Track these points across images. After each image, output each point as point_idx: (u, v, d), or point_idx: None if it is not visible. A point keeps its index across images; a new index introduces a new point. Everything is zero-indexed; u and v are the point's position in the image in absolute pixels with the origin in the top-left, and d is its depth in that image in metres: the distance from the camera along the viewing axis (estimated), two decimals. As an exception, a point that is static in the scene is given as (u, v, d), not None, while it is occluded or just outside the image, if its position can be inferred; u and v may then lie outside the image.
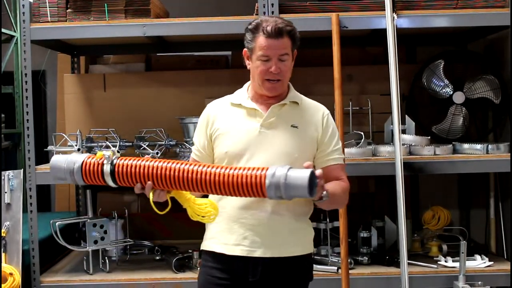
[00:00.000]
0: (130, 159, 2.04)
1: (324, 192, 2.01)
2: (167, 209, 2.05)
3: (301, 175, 1.90)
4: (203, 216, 2.06)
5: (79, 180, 2.06)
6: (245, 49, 2.23)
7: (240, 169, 1.96)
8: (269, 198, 1.93)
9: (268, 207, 2.16)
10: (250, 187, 1.93)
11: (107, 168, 2.02)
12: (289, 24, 2.18)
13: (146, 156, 2.06)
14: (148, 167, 2.00)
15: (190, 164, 2.00)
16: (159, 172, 1.99)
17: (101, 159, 2.05)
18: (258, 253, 2.18)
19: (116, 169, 2.02)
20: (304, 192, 1.89)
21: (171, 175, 1.98)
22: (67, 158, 2.08)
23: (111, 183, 2.04)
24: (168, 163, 2.01)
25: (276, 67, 2.16)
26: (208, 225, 2.30)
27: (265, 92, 2.21)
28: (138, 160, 2.03)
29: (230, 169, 1.96)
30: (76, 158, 2.07)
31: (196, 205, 2.07)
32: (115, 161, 2.03)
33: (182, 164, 2.00)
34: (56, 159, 2.10)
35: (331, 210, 3.53)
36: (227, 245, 2.21)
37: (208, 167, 1.98)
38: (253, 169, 1.95)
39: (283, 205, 2.15)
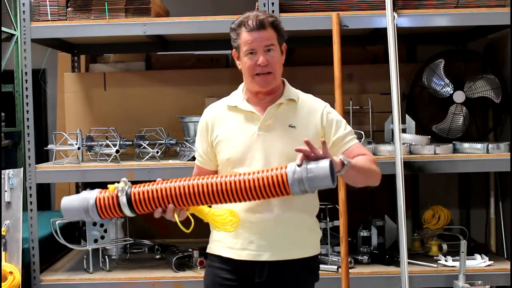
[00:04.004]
0: (143, 185, 2.02)
1: (341, 157, 1.99)
2: (192, 227, 2.02)
3: (321, 165, 1.91)
4: (227, 226, 2.08)
5: (95, 216, 2.04)
6: (233, 50, 2.22)
7: (258, 172, 1.96)
8: (294, 194, 1.93)
9: (274, 208, 2.15)
10: (273, 188, 1.93)
11: (123, 199, 2.00)
12: (271, 16, 2.17)
13: (158, 179, 2.04)
14: (166, 189, 1.99)
15: (207, 178, 1.99)
16: (179, 191, 1.98)
17: (113, 191, 2.02)
18: (265, 256, 2.17)
19: (132, 198, 2.00)
20: (328, 182, 1.91)
21: (193, 192, 1.97)
22: (78, 197, 2.06)
23: (128, 213, 2.02)
24: (185, 181, 2.00)
25: (264, 59, 2.12)
26: (212, 228, 2.29)
27: (257, 87, 2.18)
28: (152, 184, 2.02)
29: (249, 174, 1.96)
30: (88, 195, 2.05)
31: (217, 217, 2.08)
32: (129, 191, 2.01)
33: (198, 179, 1.99)
34: (66, 201, 2.08)
35: (331, 209, 3.54)
36: (233, 249, 2.20)
37: (226, 177, 1.98)
38: (271, 169, 1.95)
39: (289, 205, 2.15)
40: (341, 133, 2.23)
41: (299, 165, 1.92)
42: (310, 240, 2.27)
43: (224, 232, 2.13)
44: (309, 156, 1.93)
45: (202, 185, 1.97)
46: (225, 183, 1.96)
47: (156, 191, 2.00)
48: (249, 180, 1.94)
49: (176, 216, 2.01)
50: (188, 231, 2.02)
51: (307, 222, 2.25)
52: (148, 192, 2.00)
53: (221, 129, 2.23)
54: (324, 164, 1.91)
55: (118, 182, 2.04)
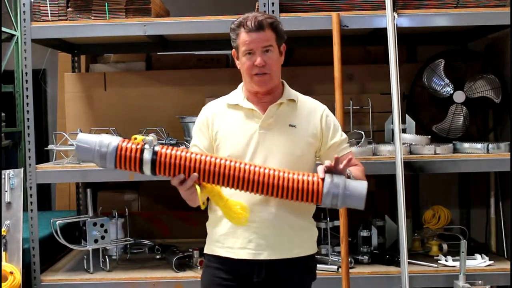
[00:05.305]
0: (171, 149, 1.91)
1: (347, 170, 2.02)
2: (206, 204, 2.01)
3: (360, 185, 1.91)
4: (237, 220, 2.04)
5: (110, 164, 1.90)
6: (233, 49, 2.24)
7: (296, 173, 1.94)
8: (322, 205, 1.95)
9: (272, 208, 2.15)
10: (306, 193, 1.92)
11: (147, 156, 1.87)
12: (270, 17, 2.19)
13: (183, 147, 1.96)
14: (196, 160, 1.90)
15: (241, 163, 1.95)
16: (210, 167, 1.90)
17: (139, 144, 1.89)
18: (263, 255, 2.18)
19: (158, 157, 1.88)
20: (360, 203, 1.91)
21: (222, 173, 1.91)
22: (98, 139, 1.90)
23: (147, 172, 1.90)
24: (216, 159, 1.93)
25: (261, 60, 2.14)
26: (210, 228, 2.30)
27: (255, 87, 2.21)
28: (182, 151, 1.91)
29: (284, 172, 1.95)
30: (109, 140, 1.89)
31: (233, 206, 2.03)
32: (156, 148, 1.89)
33: (231, 161, 1.94)
34: (84, 138, 1.91)
35: (331, 209, 3.54)
36: (232, 249, 2.20)
37: (261, 168, 1.95)
38: (308, 175, 1.94)
39: (287, 205, 2.15)
40: (337, 139, 2.27)
41: (322, 179, 1.91)
42: (308, 239, 2.28)
43: (233, 224, 2.11)
44: (329, 171, 1.97)
45: (235, 168, 1.92)
46: (260, 174, 1.92)
47: (185, 158, 1.89)
48: (283, 178, 1.91)
49: (198, 187, 1.94)
50: (203, 207, 1.99)
51: (305, 221, 2.27)
52: (177, 156, 1.89)
53: (221, 125, 2.24)
54: (363, 185, 1.91)
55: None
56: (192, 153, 1.93)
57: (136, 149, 1.88)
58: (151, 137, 1.89)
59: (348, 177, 2.00)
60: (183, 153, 1.91)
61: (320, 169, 1.98)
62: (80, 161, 3.57)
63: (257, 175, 1.92)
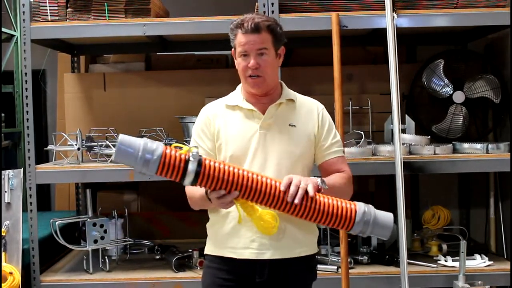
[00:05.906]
0: (214, 162, 1.90)
1: (318, 180, 2.02)
2: (240, 220, 2.04)
3: (388, 215, 1.97)
4: (269, 230, 2.04)
5: (152, 170, 1.86)
6: (232, 49, 2.25)
7: (330, 198, 1.97)
8: (351, 232, 1.98)
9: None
10: (339, 219, 1.95)
11: (192, 166, 1.85)
12: (268, 20, 2.19)
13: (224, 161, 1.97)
14: (239, 177, 1.90)
15: (279, 183, 1.96)
16: (255, 186, 1.91)
17: (184, 154, 1.87)
18: (267, 255, 2.17)
19: (202, 169, 1.87)
20: (386, 234, 1.96)
21: (265, 191, 1.92)
22: (142, 144, 1.86)
23: (188, 182, 1.88)
24: (262, 177, 1.94)
25: (255, 62, 2.15)
26: (211, 229, 2.30)
27: (250, 89, 2.22)
28: (225, 165, 1.91)
29: (322, 197, 1.97)
30: (153, 146, 1.86)
31: (265, 216, 2.02)
32: (201, 159, 1.88)
33: (271, 180, 1.94)
34: (127, 140, 1.86)
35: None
36: (235, 249, 2.20)
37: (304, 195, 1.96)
38: (342, 201, 1.97)
39: None
40: (329, 140, 2.27)
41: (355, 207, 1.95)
42: (309, 239, 2.28)
43: (263, 233, 2.10)
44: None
45: (276, 189, 1.93)
46: (305, 198, 1.94)
47: (229, 173, 1.89)
48: (322, 203, 1.94)
49: (238, 205, 1.96)
50: (240, 223, 2.04)
51: (306, 221, 2.25)
52: (220, 170, 1.88)
53: (221, 126, 2.24)
54: (390, 216, 1.97)
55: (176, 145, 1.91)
56: (235, 167, 1.93)
57: (181, 159, 1.88)
58: (195, 148, 1.90)
59: (319, 190, 2.01)
60: (226, 167, 1.91)
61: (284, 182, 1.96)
62: (79, 162, 3.57)
63: (300, 199, 1.94)
